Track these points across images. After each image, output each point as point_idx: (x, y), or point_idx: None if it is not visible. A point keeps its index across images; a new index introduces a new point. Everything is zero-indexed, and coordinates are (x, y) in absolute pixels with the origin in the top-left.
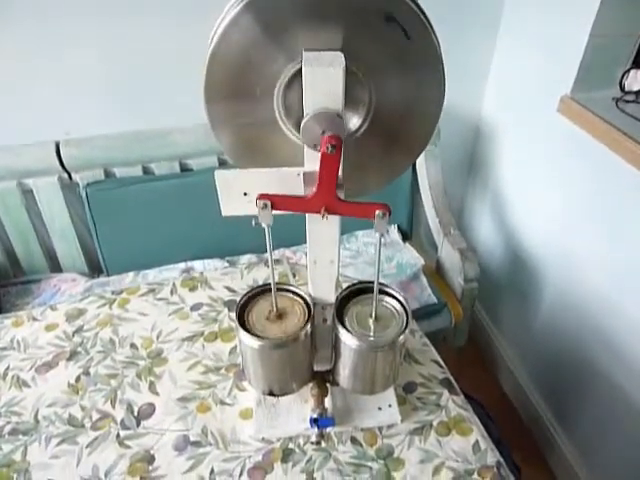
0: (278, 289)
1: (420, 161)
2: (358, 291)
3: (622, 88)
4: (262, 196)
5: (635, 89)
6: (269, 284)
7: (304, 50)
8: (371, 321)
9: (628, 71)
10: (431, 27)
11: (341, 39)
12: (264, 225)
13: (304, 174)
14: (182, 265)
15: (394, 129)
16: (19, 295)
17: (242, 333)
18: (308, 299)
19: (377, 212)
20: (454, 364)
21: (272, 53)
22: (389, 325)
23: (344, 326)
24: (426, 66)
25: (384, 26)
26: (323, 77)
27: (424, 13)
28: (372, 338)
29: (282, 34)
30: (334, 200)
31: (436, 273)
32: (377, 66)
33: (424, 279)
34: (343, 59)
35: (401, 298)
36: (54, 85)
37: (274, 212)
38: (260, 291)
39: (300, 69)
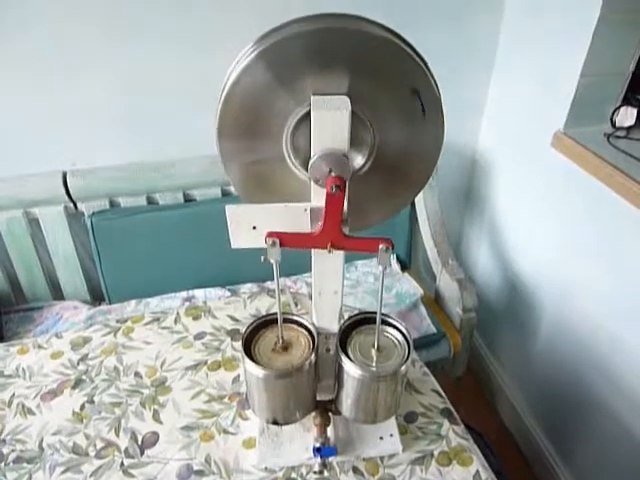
0: (283, 320)
1: None
2: (361, 321)
3: (613, 124)
4: (271, 234)
5: (626, 125)
6: (273, 314)
7: (312, 95)
8: (374, 351)
9: (619, 108)
10: (431, 74)
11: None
12: (272, 261)
13: (311, 209)
14: (184, 294)
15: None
16: (21, 322)
17: (248, 362)
18: (312, 329)
19: (381, 246)
20: (453, 394)
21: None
22: (391, 356)
23: (347, 356)
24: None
25: (408, 98)
26: (330, 120)
27: (424, 60)
28: (374, 368)
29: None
30: (339, 236)
31: (435, 303)
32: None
33: (423, 309)
34: (349, 103)
35: (403, 328)
36: (61, 116)
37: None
38: (265, 322)
39: (307, 112)
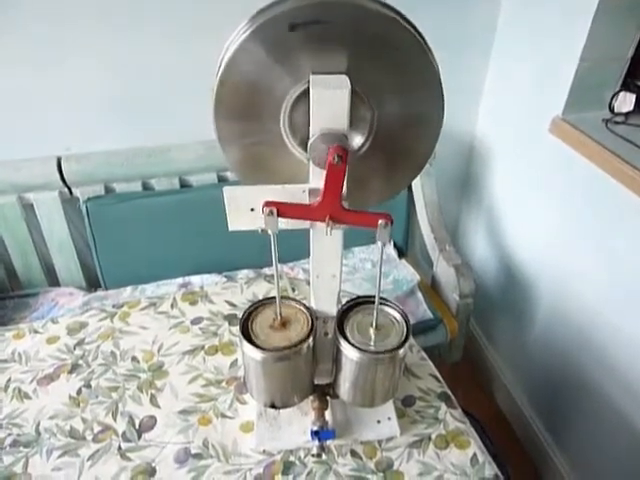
0: (282, 298)
1: (415, 179)
2: (358, 305)
3: (612, 110)
4: (268, 203)
5: (624, 111)
6: (271, 298)
7: (311, 74)
8: (372, 330)
9: (617, 93)
10: (429, 50)
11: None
12: (270, 232)
13: (309, 190)
14: (180, 280)
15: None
16: (16, 309)
17: (245, 345)
18: (310, 311)
19: (380, 222)
20: (449, 380)
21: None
22: (389, 334)
23: (345, 338)
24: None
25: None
26: (330, 99)
27: (422, 37)
28: (373, 347)
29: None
30: (339, 209)
31: (432, 289)
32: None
33: (420, 295)
34: (348, 82)
35: (400, 311)
36: (56, 101)
37: (280, 227)
38: (263, 303)
39: (304, 90)
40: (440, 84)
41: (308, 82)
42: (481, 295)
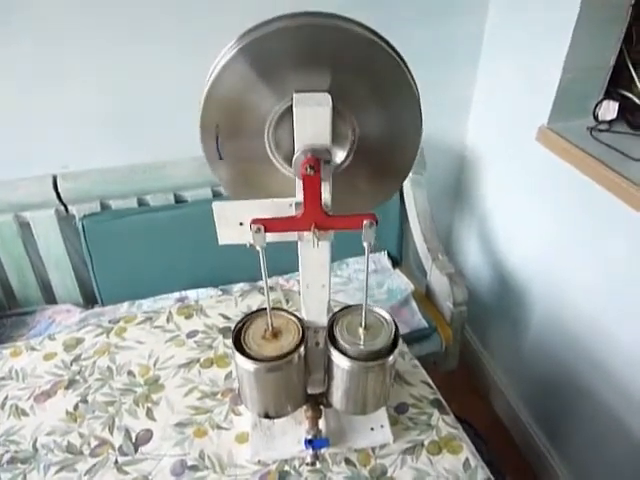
0: (273, 309)
1: (407, 190)
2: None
3: (596, 118)
4: (255, 221)
5: (608, 118)
6: (262, 309)
7: (295, 92)
8: (361, 330)
9: (601, 102)
10: (408, 69)
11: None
12: (258, 248)
13: (296, 204)
14: (176, 294)
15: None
16: (14, 327)
17: (238, 357)
18: (302, 321)
19: (365, 222)
20: (445, 388)
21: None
22: (379, 334)
23: (336, 348)
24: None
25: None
26: (312, 116)
27: (401, 56)
28: (363, 347)
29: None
30: (322, 216)
31: (426, 298)
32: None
33: (414, 304)
34: (330, 99)
35: (389, 313)
36: (52, 119)
37: (269, 240)
38: (255, 315)
39: (288, 107)
40: (418, 102)
41: (292, 99)
42: (475, 302)
